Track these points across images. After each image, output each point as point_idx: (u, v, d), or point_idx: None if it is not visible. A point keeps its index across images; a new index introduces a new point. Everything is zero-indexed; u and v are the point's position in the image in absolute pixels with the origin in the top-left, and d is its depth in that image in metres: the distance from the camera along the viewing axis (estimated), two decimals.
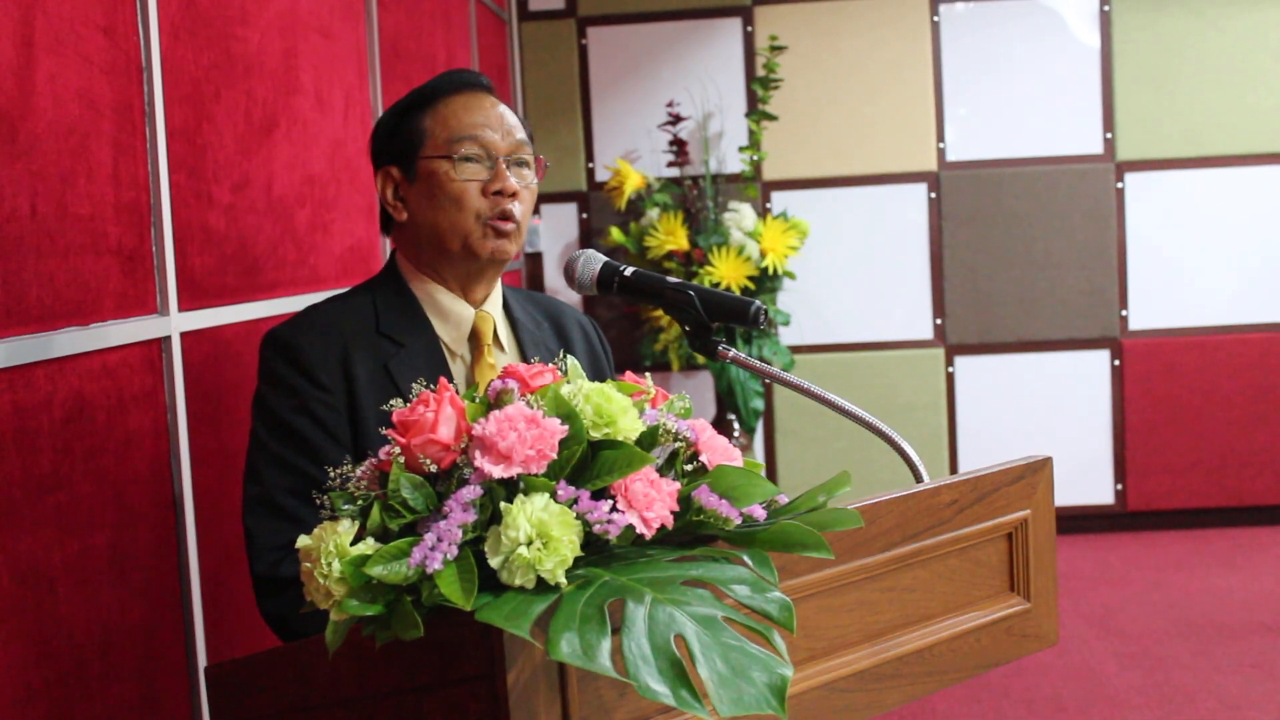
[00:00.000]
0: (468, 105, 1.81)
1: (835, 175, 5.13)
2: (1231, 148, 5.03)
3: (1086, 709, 3.39)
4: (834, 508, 1.18)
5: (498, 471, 1.10)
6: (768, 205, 5.14)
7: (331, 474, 1.21)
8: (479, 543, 1.08)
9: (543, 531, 1.06)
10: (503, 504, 1.08)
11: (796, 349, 5.08)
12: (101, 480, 1.74)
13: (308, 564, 1.13)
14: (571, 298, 4.95)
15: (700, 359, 4.94)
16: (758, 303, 1.57)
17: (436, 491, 1.13)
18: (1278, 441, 5.06)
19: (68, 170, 1.69)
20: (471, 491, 1.09)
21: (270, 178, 2.36)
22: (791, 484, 5.05)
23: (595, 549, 1.11)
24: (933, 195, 5.11)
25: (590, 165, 5.21)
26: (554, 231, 5.24)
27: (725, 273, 4.67)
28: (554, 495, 1.09)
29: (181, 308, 2.01)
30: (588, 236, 5.20)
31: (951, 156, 5.11)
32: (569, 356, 1.32)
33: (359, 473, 1.20)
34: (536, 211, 5.19)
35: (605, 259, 1.70)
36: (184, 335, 2.00)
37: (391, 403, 1.22)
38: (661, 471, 1.19)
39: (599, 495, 1.12)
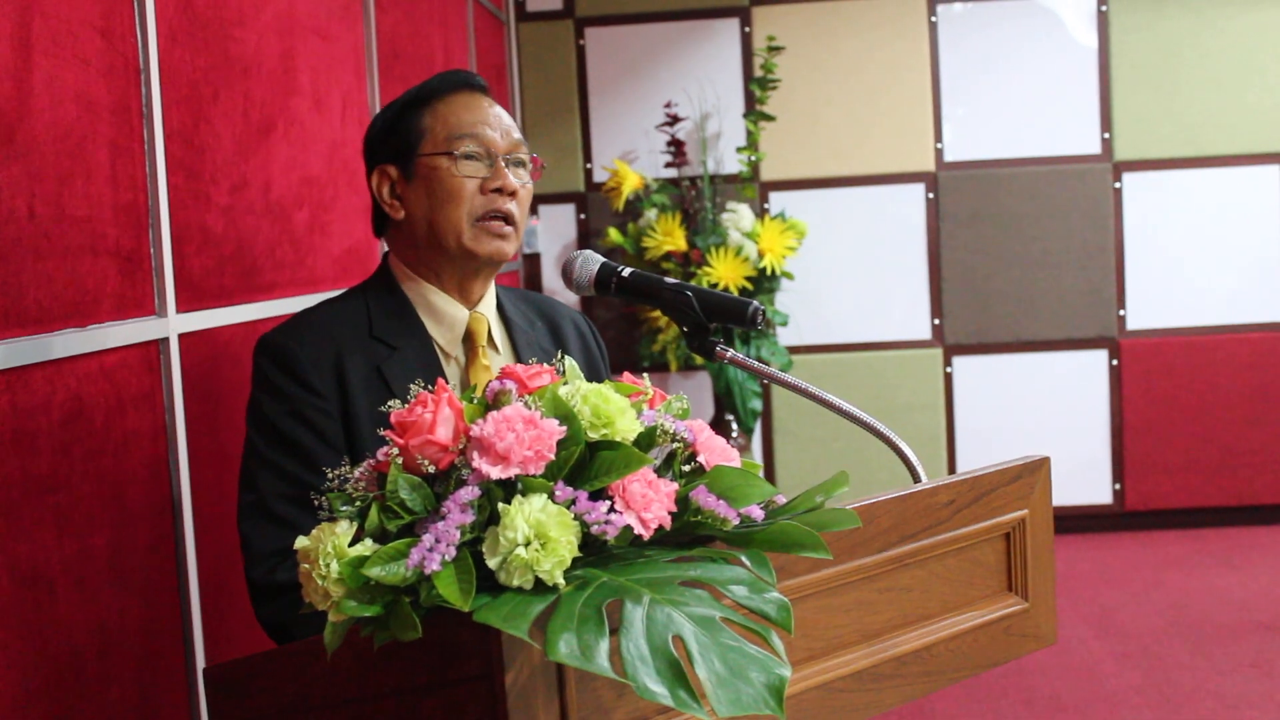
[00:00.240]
0: (467, 104, 1.81)
1: (833, 176, 5.13)
2: (1229, 148, 5.03)
3: (1085, 709, 3.39)
4: (832, 508, 1.19)
5: (496, 472, 1.10)
6: (765, 206, 5.14)
7: (330, 476, 1.21)
8: (477, 544, 1.08)
9: (541, 532, 1.06)
10: (501, 505, 1.08)
11: (794, 349, 5.08)
12: (100, 481, 1.74)
13: (306, 565, 1.13)
14: (569, 298, 4.95)
15: (698, 359, 4.94)
16: (756, 303, 1.57)
17: (434, 492, 1.13)
18: (1276, 440, 5.06)
19: (65, 172, 1.69)
20: (469, 492, 1.09)
21: (268, 179, 2.36)
22: (789, 484, 5.06)
23: (593, 550, 1.11)
24: (930, 195, 5.11)
25: (588, 166, 5.21)
26: (552, 232, 5.24)
27: (723, 273, 4.67)
28: (552, 496, 1.09)
29: (179, 309, 2.01)
30: (585, 237, 5.20)
31: (949, 157, 5.11)
32: (566, 357, 1.32)
33: (357, 474, 1.20)
34: (535, 212, 5.19)
35: (603, 259, 1.70)
36: (182, 337, 2.00)
37: (389, 404, 1.22)
38: (659, 472, 1.19)
39: (597, 496, 1.12)
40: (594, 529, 1.09)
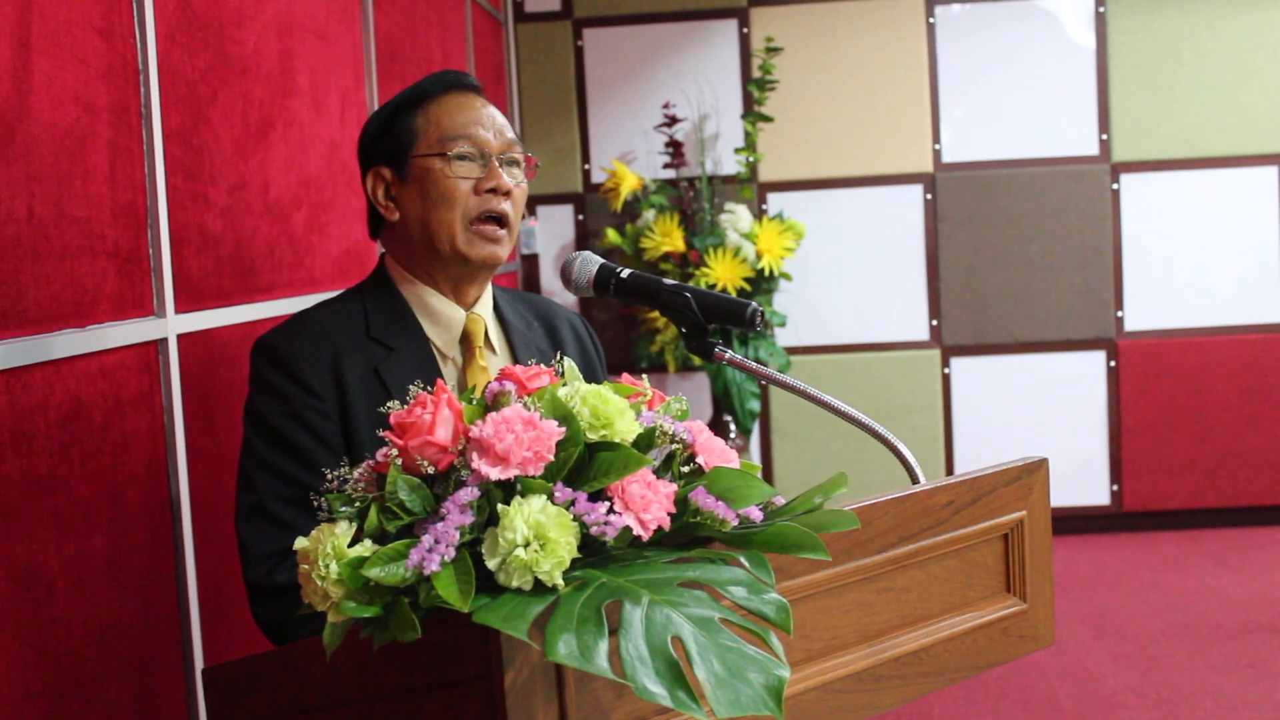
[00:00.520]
0: (460, 105, 1.81)
1: (831, 177, 5.13)
2: (1227, 149, 5.04)
3: (1083, 709, 3.39)
4: (830, 509, 1.19)
5: (495, 473, 1.10)
6: (764, 207, 5.14)
7: (329, 476, 1.21)
8: (476, 544, 1.08)
9: (540, 533, 1.06)
10: (500, 506, 1.08)
11: (792, 350, 5.08)
12: (99, 482, 1.74)
13: (305, 566, 1.13)
14: (568, 299, 4.95)
15: (696, 360, 4.94)
16: (754, 304, 1.57)
17: (434, 493, 1.13)
18: (1273, 442, 5.07)
19: (64, 173, 1.69)
20: (469, 493, 1.09)
21: (267, 180, 2.36)
22: (788, 485, 5.06)
23: (592, 551, 1.11)
24: (928, 196, 5.12)
25: (586, 167, 5.21)
26: (550, 233, 5.24)
27: (721, 274, 4.67)
28: (551, 497, 1.10)
29: (178, 310, 2.01)
30: (584, 238, 5.21)
31: (947, 158, 5.11)
32: (565, 358, 1.32)
33: (356, 475, 1.20)
34: (533, 213, 5.19)
35: (602, 260, 1.70)
36: (180, 337, 2.00)
37: (389, 405, 1.22)
38: (658, 473, 1.19)
39: (596, 497, 1.12)
40: (593, 530, 1.09)
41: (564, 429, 1.14)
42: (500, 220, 1.79)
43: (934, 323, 5.15)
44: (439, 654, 1.11)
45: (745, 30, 5.14)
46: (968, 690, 3.54)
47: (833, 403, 1.55)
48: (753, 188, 5.06)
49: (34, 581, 1.58)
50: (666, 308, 1.62)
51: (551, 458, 1.12)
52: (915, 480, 1.51)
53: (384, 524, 1.12)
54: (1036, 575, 1.48)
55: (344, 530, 1.12)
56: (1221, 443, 5.08)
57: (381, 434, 1.18)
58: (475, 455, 1.11)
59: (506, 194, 1.78)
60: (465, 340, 1.82)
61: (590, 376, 1.88)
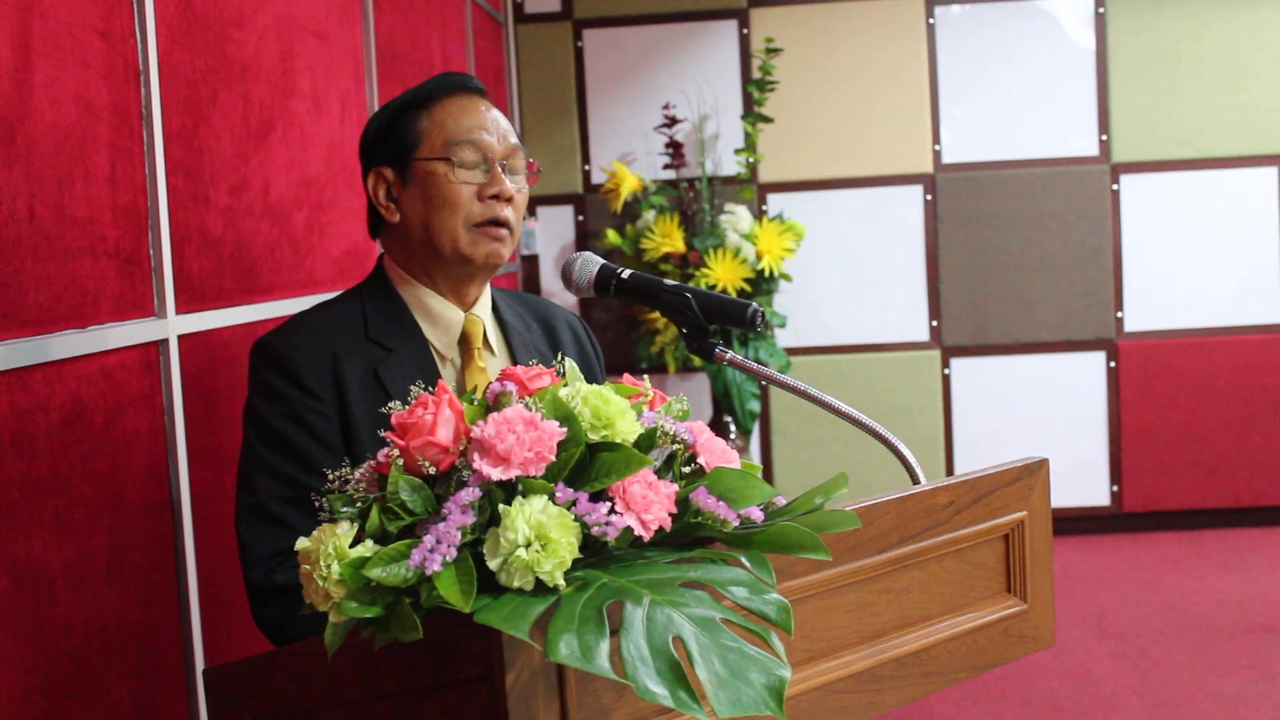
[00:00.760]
0: (464, 108, 1.80)
1: (831, 177, 5.13)
2: (1227, 149, 5.04)
3: (1083, 710, 3.39)
4: (831, 509, 1.19)
5: (496, 474, 1.10)
6: (764, 207, 5.14)
7: (330, 476, 1.22)
8: (478, 545, 1.08)
9: (541, 533, 1.06)
10: (501, 506, 1.09)
11: (793, 351, 5.09)
12: (99, 482, 1.74)
13: (307, 566, 1.13)
14: (568, 299, 4.95)
15: (697, 361, 4.95)
16: (754, 305, 1.57)
17: (435, 494, 1.13)
18: (1273, 442, 5.07)
19: (65, 173, 1.69)
20: (470, 494, 1.10)
21: (267, 181, 2.37)
22: (788, 486, 5.06)
23: (593, 551, 1.11)
24: (928, 197, 5.12)
25: (586, 168, 5.21)
26: (550, 234, 5.24)
27: (721, 275, 4.67)
28: (552, 497, 1.10)
29: (179, 310, 2.01)
30: (584, 239, 5.21)
31: (947, 158, 5.12)
32: (566, 359, 1.32)
33: (357, 475, 1.20)
34: (532, 214, 5.19)
35: (602, 261, 1.70)
36: (181, 338, 2.00)
37: (390, 405, 1.22)
38: (659, 473, 1.19)
39: (597, 497, 1.12)
40: (594, 530, 1.09)
41: (565, 429, 1.14)
42: (502, 224, 1.79)
43: (934, 323, 5.15)
44: (440, 654, 1.11)
45: (745, 31, 5.14)
46: (968, 691, 3.54)
47: (833, 403, 1.55)
48: (753, 188, 5.07)
49: (34, 581, 1.58)
50: (667, 308, 1.62)
51: (553, 458, 1.12)
52: (916, 481, 1.51)
53: (385, 524, 1.12)
54: (1037, 576, 1.48)
55: (346, 530, 1.12)
56: (1221, 443, 5.08)
57: (383, 434, 1.18)
58: (477, 455, 1.11)
59: (509, 200, 1.79)
60: (464, 341, 1.82)
61: (589, 377, 1.88)
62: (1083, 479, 5.13)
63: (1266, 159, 5.03)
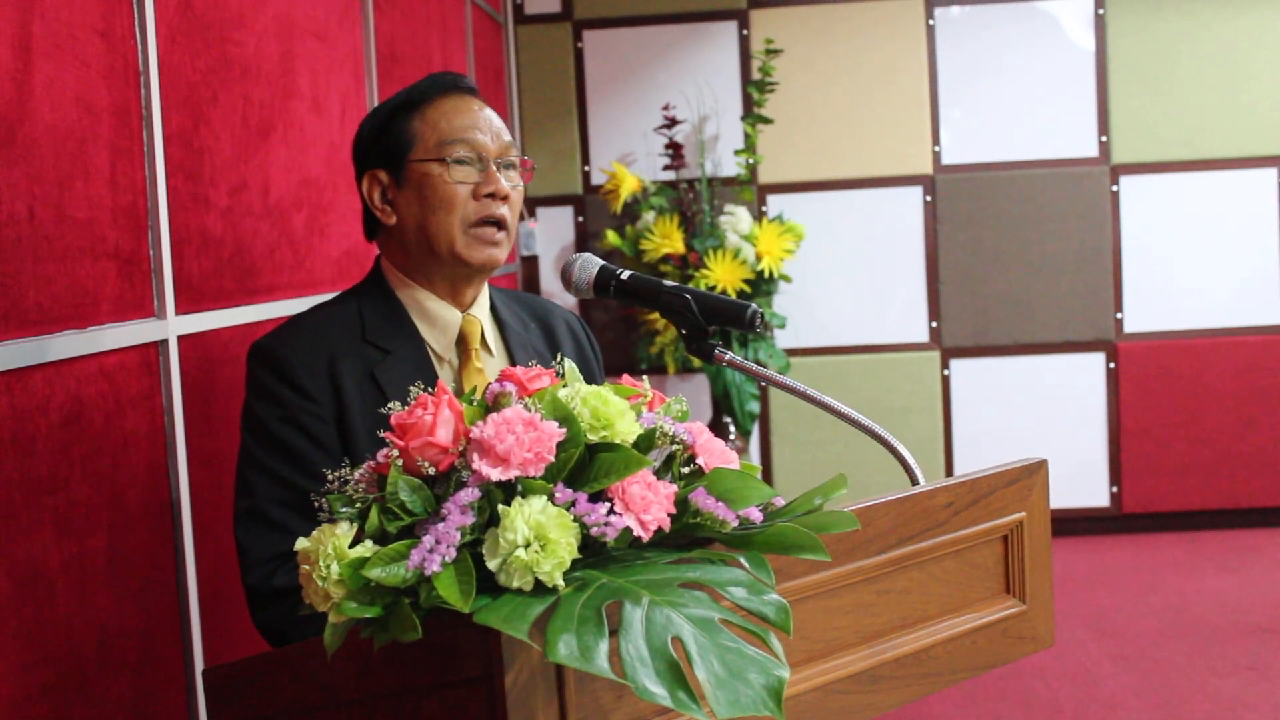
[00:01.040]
0: (457, 108, 1.80)
1: (831, 178, 5.13)
2: (1226, 151, 5.04)
3: (1082, 711, 3.39)
4: (830, 510, 1.19)
5: (495, 474, 1.10)
6: (763, 208, 5.14)
7: (330, 477, 1.22)
8: (477, 545, 1.08)
9: (540, 534, 1.06)
10: (501, 507, 1.09)
11: (792, 352, 5.09)
12: (99, 483, 1.74)
13: (306, 566, 1.13)
14: (568, 300, 4.95)
15: (696, 362, 4.95)
16: (754, 306, 1.58)
17: (435, 494, 1.14)
18: (1272, 443, 5.07)
19: (65, 174, 1.70)
20: (469, 494, 1.10)
21: (267, 181, 2.37)
22: (787, 487, 5.06)
23: (592, 551, 1.11)
24: (928, 198, 5.12)
25: (586, 169, 5.21)
26: (550, 235, 5.24)
27: (721, 276, 4.67)
28: (552, 498, 1.10)
29: (179, 311, 2.01)
30: (583, 240, 5.21)
31: (947, 159, 5.12)
32: (566, 360, 1.32)
33: (357, 476, 1.20)
34: (533, 215, 5.19)
35: (602, 262, 1.70)
36: (181, 339, 2.01)
37: (389, 405, 1.22)
38: (659, 474, 1.19)
39: (596, 498, 1.12)
40: (593, 531, 1.09)
41: (565, 430, 1.14)
42: (499, 224, 1.79)
43: (934, 324, 5.15)
44: (439, 655, 1.11)
45: (745, 32, 5.14)
46: (967, 692, 3.54)
47: (832, 404, 1.55)
48: (752, 189, 5.07)
49: (34, 582, 1.58)
50: (666, 309, 1.62)
51: (552, 459, 1.12)
52: (915, 482, 1.51)
53: (385, 525, 1.13)
54: (1036, 576, 1.48)
55: (345, 531, 1.12)
56: (1221, 445, 5.08)
57: (382, 435, 1.18)
58: (476, 456, 1.12)
59: (504, 198, 1.78)
60: (461, 342, 1.82)
61: (587, 376, 1.88)
62: (1082, 480, 5.14)
63: (1266, 160, 5.03)
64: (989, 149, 5.10)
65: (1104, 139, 5.07)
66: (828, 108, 5.12)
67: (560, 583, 1.05)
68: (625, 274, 1.68)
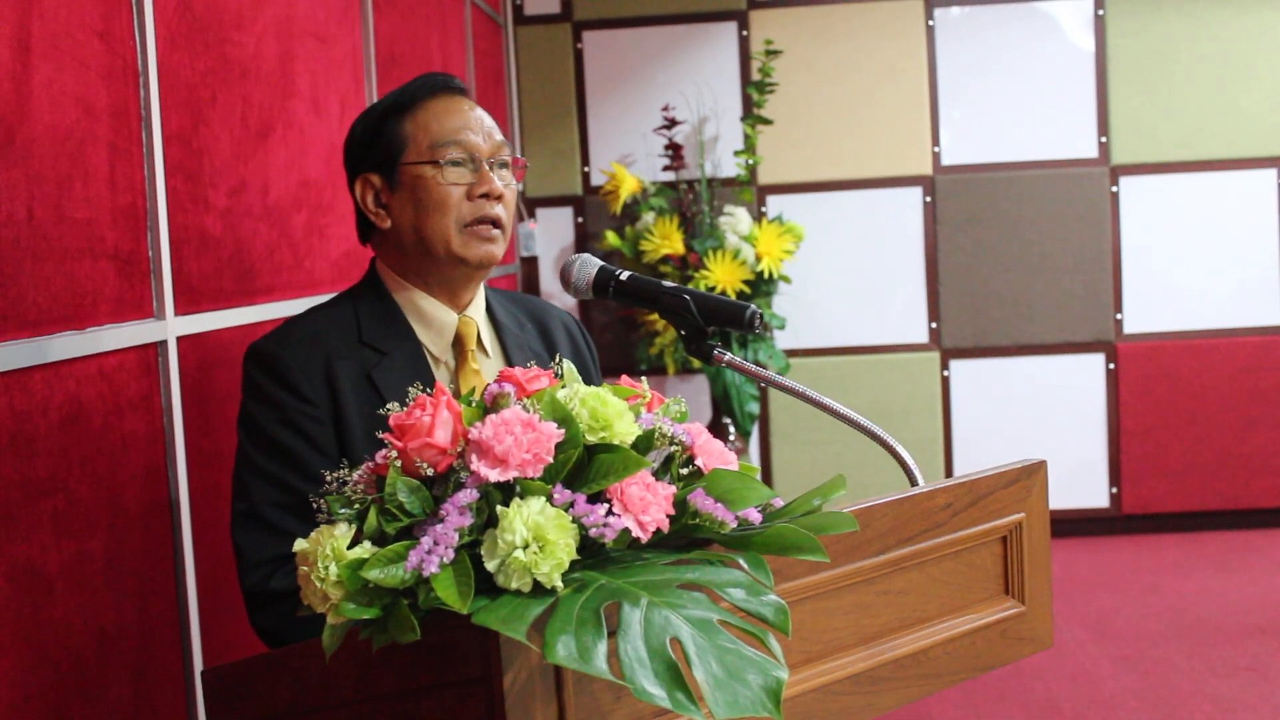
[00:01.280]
0: (448, 109, 1.80)
1: (830, 179, 5.13)
2: (1226, 151, 5.04)
3: (1081, 712, 3.39)
4: (829, 511, 1.19)
5: (494, 475, 1.10)
6: (763, 209, 5.14)
7: (329, 478, 1.22)
8: (475, 546, 1.08)
9: (539, 535, 1.06)
10: (499, 507, 1.09)
11: (792, 353, 5.09)
12: (98, 484, 1.74)
13: (304, 567, 1.13)
14: (567, 301, 4.95)
15: (696, 363, 4.95)
16: (753, 307, 1.58)
17: (433, 495, 1.14)
18: (1272, 444, 5.07)
19: (64, 174, 1.70)
20: (468, 495, 1.10)
21: (266, 182, 2.37)
22: (786, 487, 5.06)
23: (591, 552, 1.11)
24: (928, 199, 5.12)
25: (586, 169, 5.21)
26: (549, 235, 5.24)
27: (720, 277, 4.67)
28: (550, 499, 1.10)
29: (178, 312, 2.01)
30: (583, 240, 5.21)
31: (947, 160, 5.12)
32: (564, 360, 1.32)
33: (355, 476, 1.20)
34: (532, 215, 5.19)
35: (601, 263, 1.70)
36: (180, 339, 2.01)
37: (388, 406, 1.22)
38: (657, 475, 1.19)
39: (595, 499, 1.12)
40: (592, 532, 1.09)
41: (563, 431, 1.14)
42: (494, 223, 1.79)
43: (933, 325, 5.15)
44: (438, 656, 1.11)
45: (745, 33, 5.14)
46: (966, 692, 3.54)
47: (832, 405, 1.55)
48: (752, 190, 5.06)
49: (34, 582, 1.58)
50: (666, 310, 1.62)
51: (550, 459, 1.12)
52: (914, 482, 1.51)
53: (383, 526, 1.13)
54: (1035, 577, 1.48)
55: (343, 532, 1.12)
56: (1220, 445, 5.08)
57: (381, 436, 1.18)
58: (474, 457, 1.12)
59: (499, 198, 1.78)
60: (458, 343, 1.82)
61: (584, 377, 1.88)
62: (1082, 481, 5.13)
63: (1266, 161, 5.03)
64: (989, 150, 5.10)
65: (1103, 140, 5.07)
66: (827, 108, 5.12)
67: (559, 584, 1.05)
68: (624, 275, 1.68)
